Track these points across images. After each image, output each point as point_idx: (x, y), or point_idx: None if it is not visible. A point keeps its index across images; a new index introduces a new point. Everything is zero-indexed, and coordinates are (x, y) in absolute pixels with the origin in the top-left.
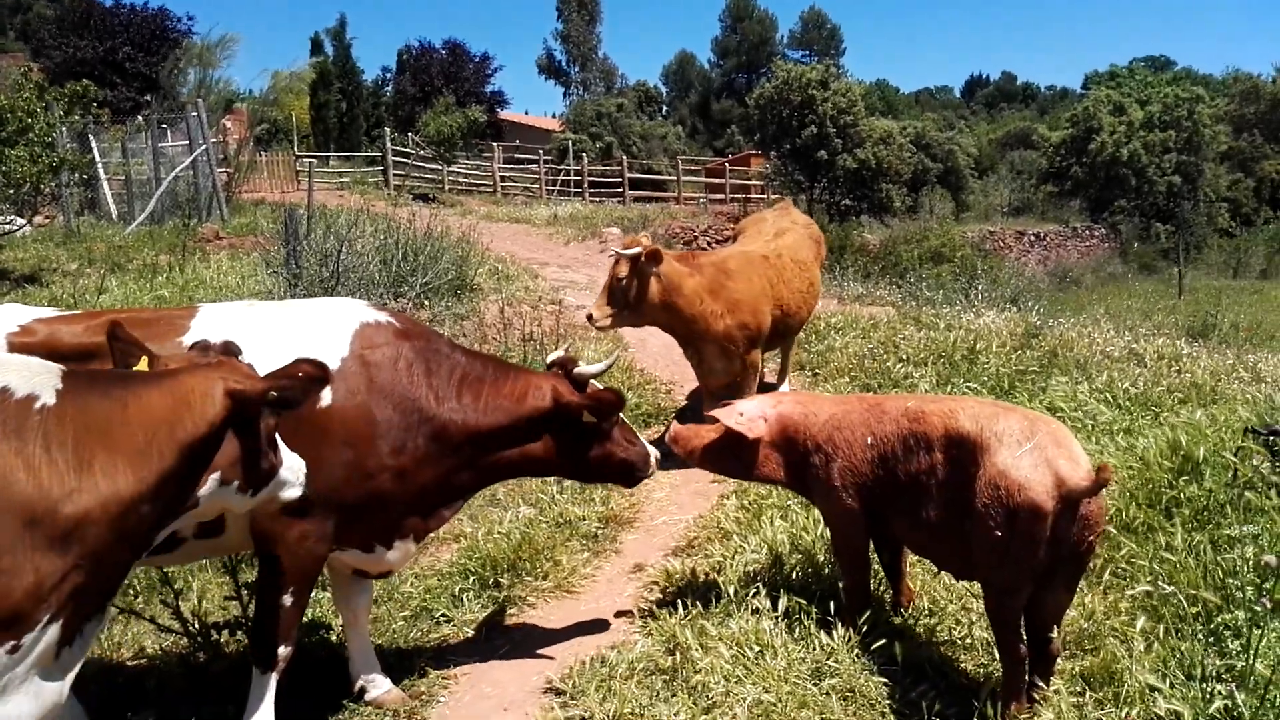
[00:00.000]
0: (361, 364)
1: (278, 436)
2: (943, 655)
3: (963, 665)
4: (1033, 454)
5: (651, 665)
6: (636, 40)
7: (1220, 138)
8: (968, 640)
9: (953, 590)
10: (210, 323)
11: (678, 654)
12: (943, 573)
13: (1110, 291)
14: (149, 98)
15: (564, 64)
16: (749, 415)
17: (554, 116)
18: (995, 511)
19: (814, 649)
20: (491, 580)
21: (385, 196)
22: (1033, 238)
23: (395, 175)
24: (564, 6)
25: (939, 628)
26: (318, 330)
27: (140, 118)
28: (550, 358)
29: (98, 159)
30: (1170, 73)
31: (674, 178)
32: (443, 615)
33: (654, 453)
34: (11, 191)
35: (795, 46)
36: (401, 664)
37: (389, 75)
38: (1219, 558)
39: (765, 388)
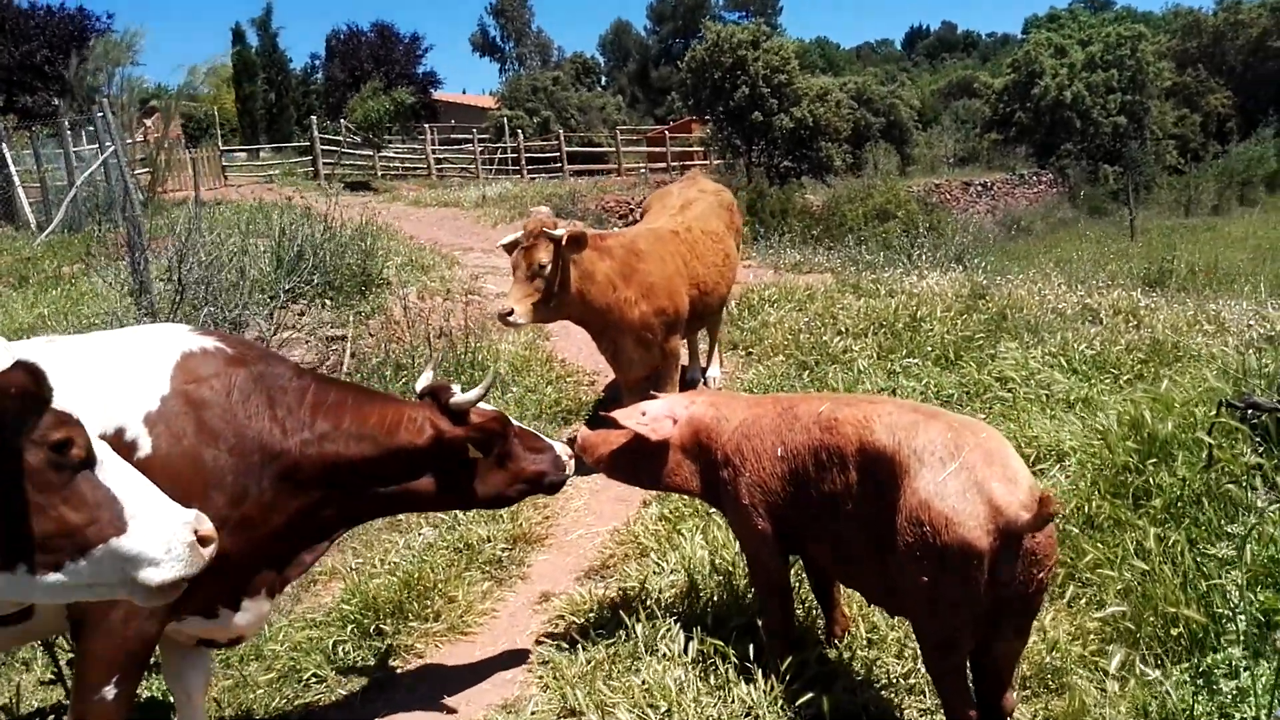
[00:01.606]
0: (186, 402)
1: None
2: (882, 701)
3: (905, 714)
4: (959, 476)
5: None
6: (571, 12)
7: (1164, 75)
8: (911, 680)
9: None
10: None
11: (570, 719)
12: None
13: (1062, 238)
14: (57, 101)
15: (498, 40)
16: (654, 415)
17: (491, 94)
18: (920, 552)
19: (731, 703)
20: (373, 627)
21: (316, 187)
22: (980, 187)
23: (325, 164)
24: None
25: (878, 663)
26: (128, 366)
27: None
28: (420, 384)
29: (10, 166)
30: (1110, 11)
31: (613, 149)
32: (313, 675)
33: (564, 452)
34: None
35: (731, 8)
36: None
37: (319, 62)
38: (1199, 561)
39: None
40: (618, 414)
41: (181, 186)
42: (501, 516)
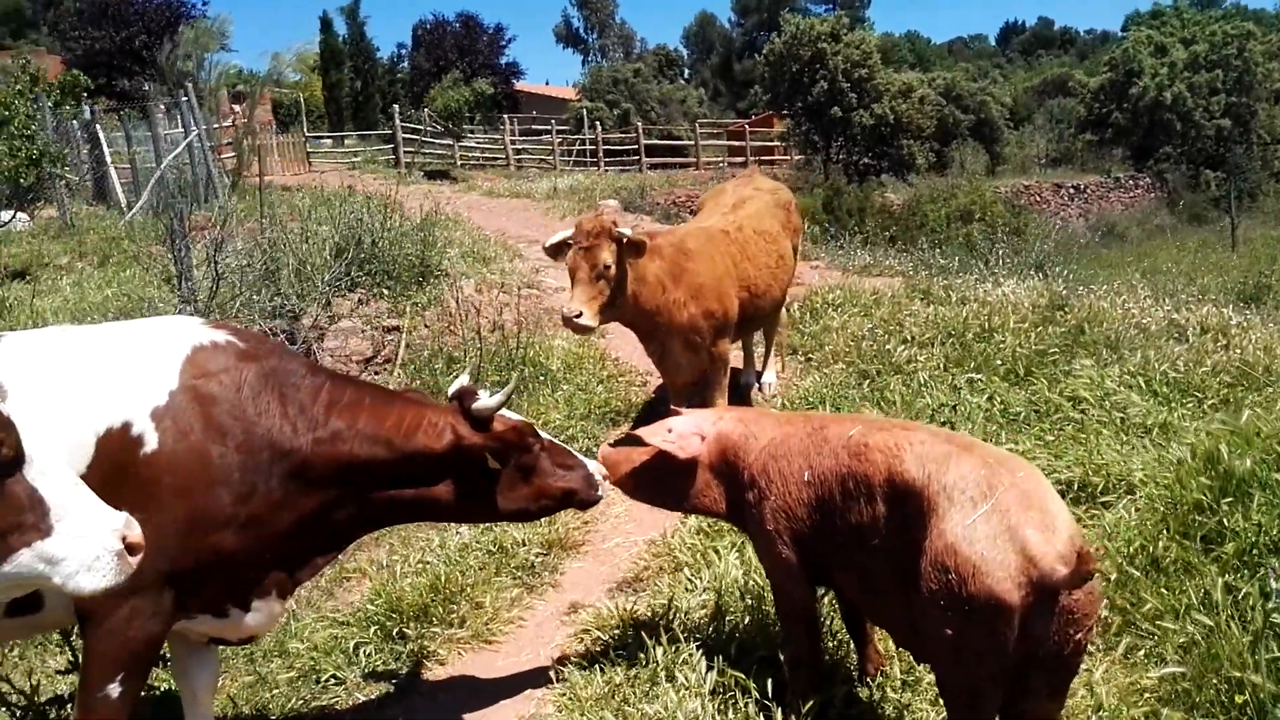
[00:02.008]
0: (194, 397)
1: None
2: None
3: None
4: (991, 520)
5: None
6: (655, 4)
7: (1274, 75)
8: None
9: None
10: None
11: None
12: None
13: (1157, 246)
14: (146, 85)
15: (582, 31)
16: (681, 432)
17: (572, 86)
18: (944, 600)
19: None
20: (397, 630)
21: (396, 175)
22: (1071, 190)
23: (406, 153)
24: None
25: (914, 707)
26: (137, 359)
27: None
28: (452, 388)
29: (105, 149)
30: (1218, 9)
31: (692, 143)
32: (332, 677)
33: (598, 470)
34: None
35: (819, 0)
36: None
37: (405, 51)
38: (1272, 619)
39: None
40: (642, 431)
41: (266, 171)
42: (539, 521)
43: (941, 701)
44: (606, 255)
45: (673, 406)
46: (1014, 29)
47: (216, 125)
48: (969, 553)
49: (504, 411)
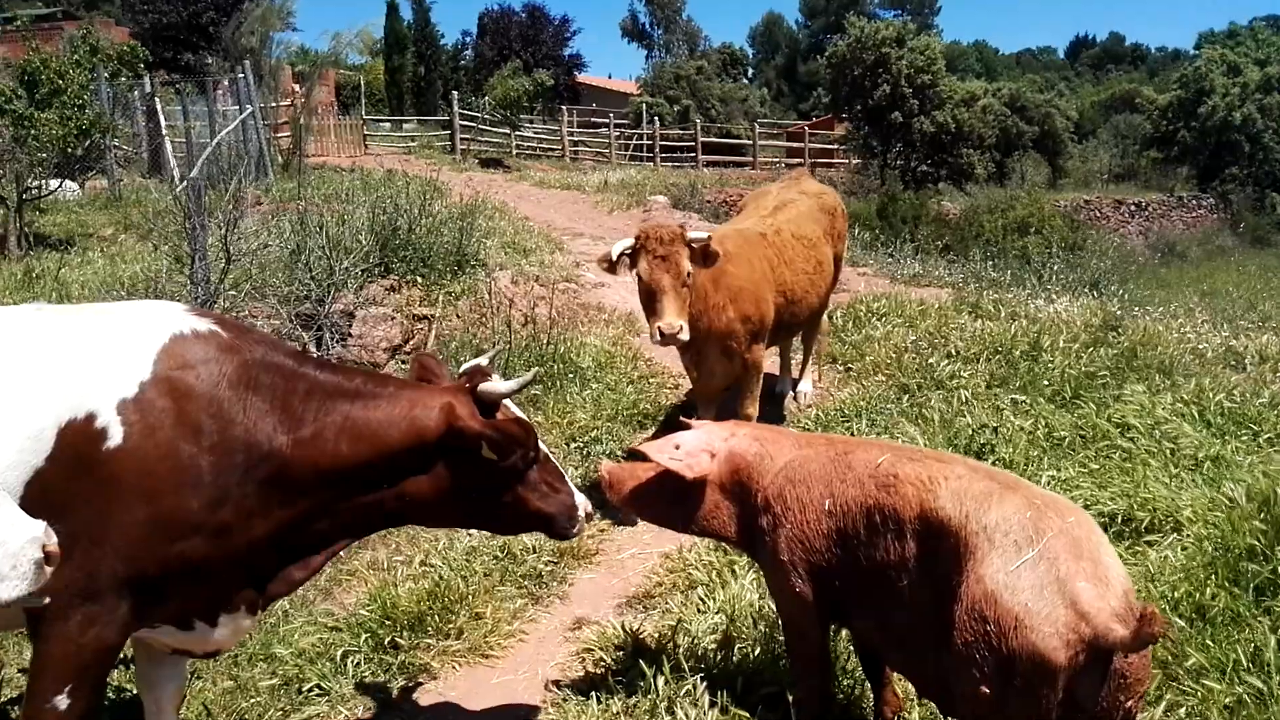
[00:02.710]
0: (167, 389)
1: None
2: None
3: None
4: (1037, 568)
5: None
6: (723, 2)
7: None
8: None
9: None
10: None
11: None
12: None
13: (1217, 267)
14: (209, 60)
15: (647, 26)
16: (689, 449)
17: (634, 80)
18: (980, 655)
19: None
20: (389, 639)
21: (451, 161)
22: (1133, 207)
23: (462, 139)
24: None
25: None
26: (110, 345)
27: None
28: (465, 365)
29: (162, 121)
30: None
31: (751, 142)
32: (316, 688)
33: (583, 504)
34: (44, 155)
35: (886, 5)
36: None
37: (469, 39)
38: None
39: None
40: (647, 447)
41: (323, 152)
42: None
43: None
44: (687, 262)
45: (682, 419)
46: (1084, 43)
47: (275, 104)
48: (1011, 603)
49: (510, 405)
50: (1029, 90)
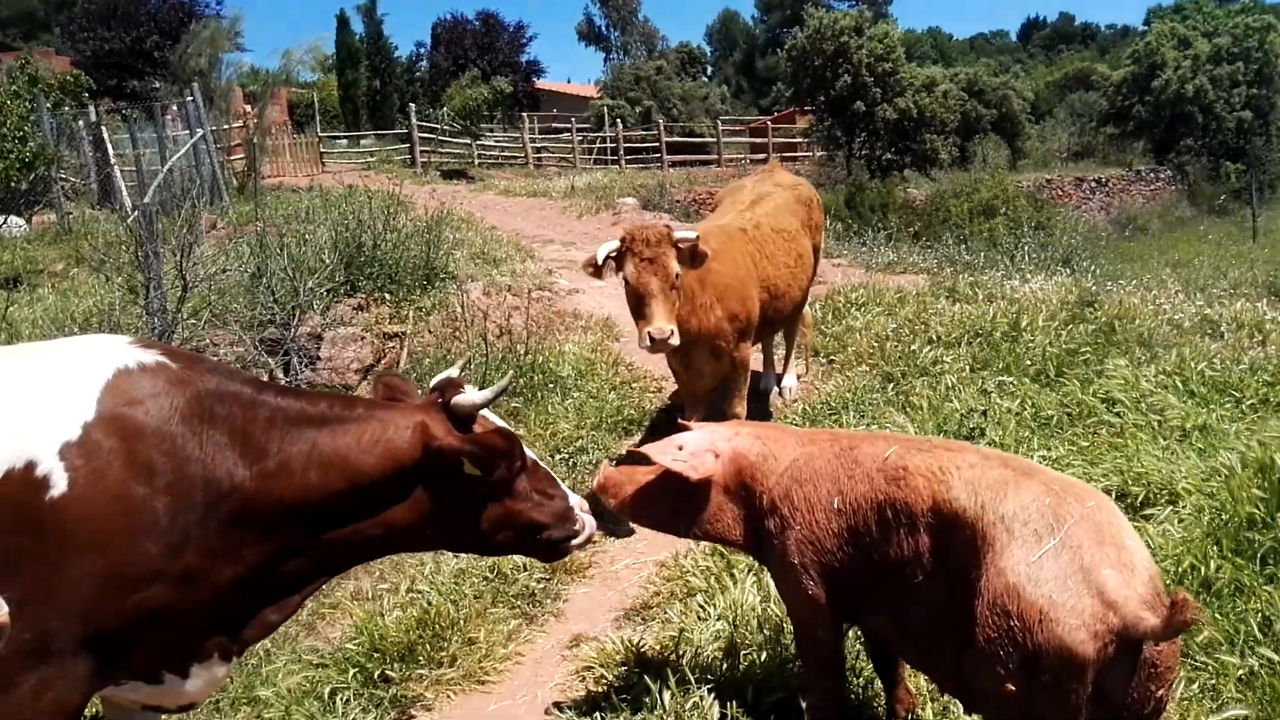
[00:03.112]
0: (114, 429)
1: None
2: None
3: None
4: (1060, 558)
5: None
6: (678, 1)
7: None
8: None
9: None
10: None
11: None
12: None
13: (1179, 238)
14: (156, 85)
15: (604, 29)
16: (693, 450)
17: (594, 84)
18: (1004, 651)
19: None
20: (379, 673)
21: (412, 175)
22: (1093, 184)
23: (422, 152)
24: None
25: None
26: (46, 386)
27: (159, 105)
28: (437, 379)
29: (109, 150)
30: (1238, 3)
31: (714, 139)
32: None
33: (580, 506)
34: None
35: None
36: None
37: (424, 50)
38: None
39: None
40: (649, 449)
41: (279, 173)
42: None
43: None
44: (674, 264)
45: (681, 421)
46: (1035, 24)
47: (228, 126)
48: (1035, 596)
49: (490, 415)
50: (985, 74)
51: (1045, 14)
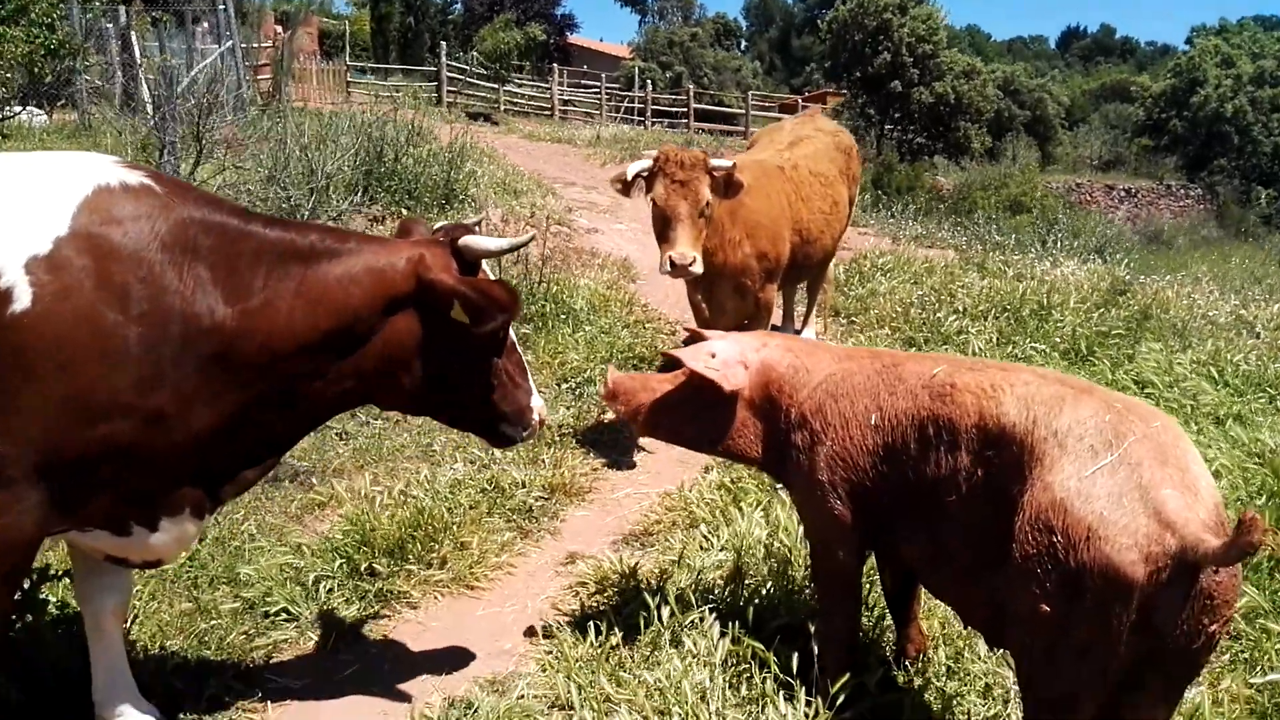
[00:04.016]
0: (87, 247)
1: None
2: None
3: None
4: (1115, 474)
5: None
6: None
7: None
8: None
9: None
10: None
11: (563, 712)
12: None
13: (1204, 256)
14: None
15: None
16: (725, 358)
17: (626, 44)
18: (1043, 571)
19: None
20: (366, 566)
21: (437, 113)
22: (1123, 193)
23: (449, 91)
24: None
25: (959, 702)
26: (19, 197)
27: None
28: (440, 224)
29: (137, 54)
30: None
31: (743, 111)
32: (283, 612)
33: (539, 407)
34: (9, 75)
35: None
36: (197, 682)
37: None
38: None
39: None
40: (681, 352)
41: (304, 97)
42: (543, 459)
43: (991, 695)
44: (706, 191)
45: (692, 330)
46: (1075, 34)
47: (257, 45)
48: (1083, 512)
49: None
50: (1022, 74)
51: (1086, 24)
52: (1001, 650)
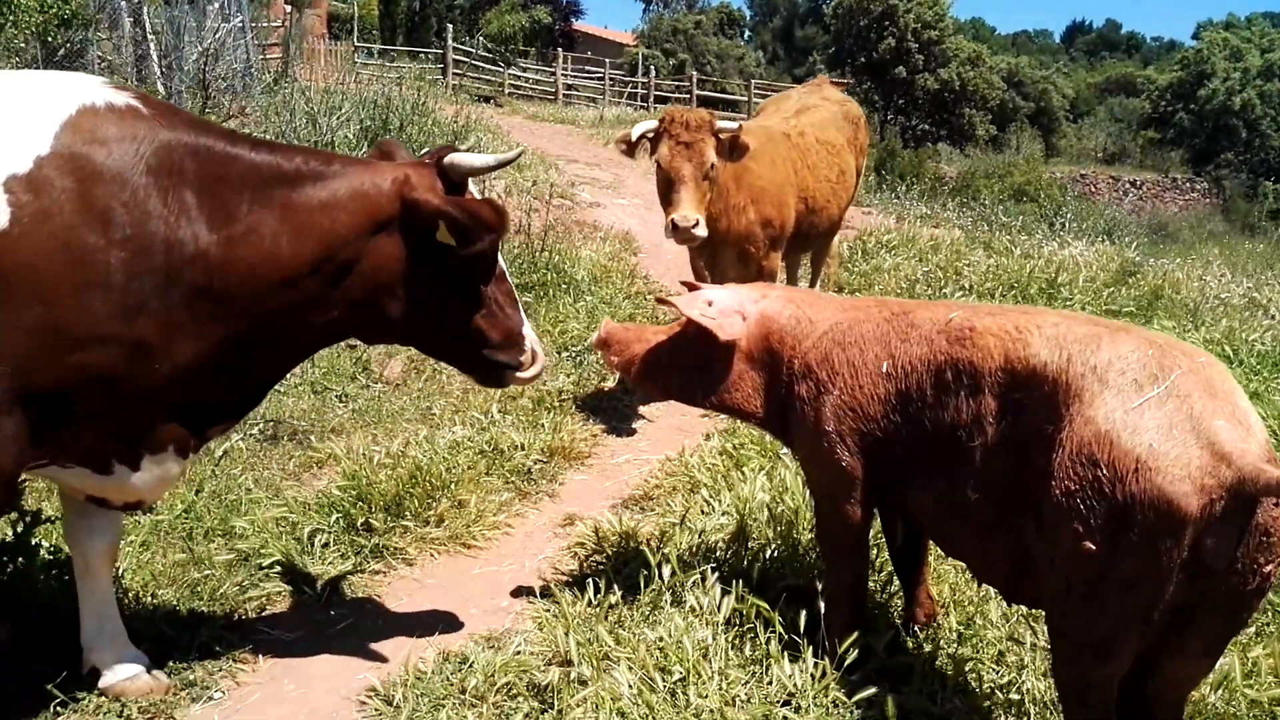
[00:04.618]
0: (70, 168)
1: None
2: (972, 714)
3: None
4: (1164, 406)
5: (520, 680)
6: None
7: None
8: (1014, 694)
9: (999, 606)
10: None
11: (561, 668)
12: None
13: (1208, 250)
14: None
15: None
16: (722, 307)
17: (631, 31)
18: (1087, 506)
19: (766, 683)
20: (362, 521)
21: (442, 94)
22: (1128, 184)
23: (454, 73)
24: None
25: (970, 667)
26: (1, 113)
27: None
28: (427, 150)
29: (147, 28)
30: None
31: (745, 98)
32: (277, 564)
33: (533, 341)
34: (22, 45)
35: None
36: (188, 631)
37: None
38: None
39: None
40: (678, 300)
41: (310, 76)
42: (542, 423)
43: (1005, 661)
44: (712, 153)
45: (687, 281)
46: (1080, 28)
47: (266, 24)
48: (1131, 443)
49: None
50: (1027, 66)
51: (1092, 19)
52: (1016, 616)
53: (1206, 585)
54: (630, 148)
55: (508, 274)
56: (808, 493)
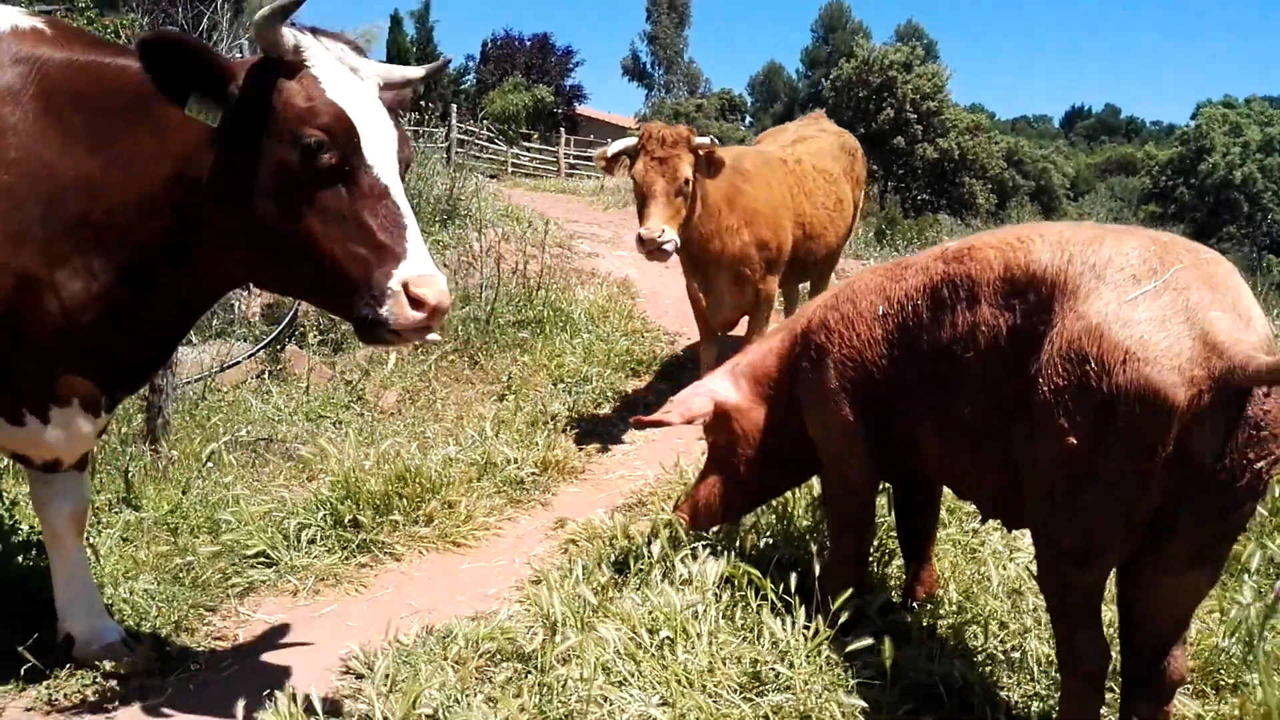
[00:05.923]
0: None
1: None
2: (968, 675)
3: (1001, 691)
4: (1158, 298)
5: (504, 646)
6: (725, 49)
7: None
8: (1014, 655)
9: (1004, 581)
10: None
11: (547, 633)
12: (994, 559)
13: None
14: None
15: (649, 66)
16: (679, 399)
17: (634, 116)
18: (1072, 400)
19: (758, 644)
20: (349, 518)
21: (446, 173)
22: None
23: (458, 153)
24: (653, 8)
25: (970, 633)
26: None
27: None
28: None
29: None
30: None
31: None
32: (262, 555)
33: (427, 277)
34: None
35: None
36: (168, 606)
37: (471, 63)
38: None
39: None
40: (662, 415)
41: None
42: (536, 442)
43: (1006, 629)
44: (686, 168)
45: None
46: (1079, 113)
47: None
48: (1121, 336)
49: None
50: (1027, 145)
51: (1091, 104)
52: (1019, 582)
53: (1194, 481)
54: (609, 164)
55: (395, 193)
56: (807, 488)
